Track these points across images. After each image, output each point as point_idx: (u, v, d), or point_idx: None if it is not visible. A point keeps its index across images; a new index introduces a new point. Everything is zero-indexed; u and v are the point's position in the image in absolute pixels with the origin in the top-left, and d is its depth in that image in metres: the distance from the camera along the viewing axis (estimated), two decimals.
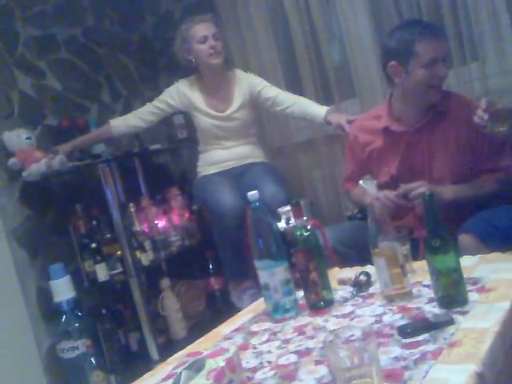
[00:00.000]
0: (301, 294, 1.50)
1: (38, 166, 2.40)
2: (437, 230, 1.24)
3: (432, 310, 1.24)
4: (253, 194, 1.49)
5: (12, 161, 2.47)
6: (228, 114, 2.59)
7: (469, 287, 1.28)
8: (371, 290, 1.49)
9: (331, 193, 2.86)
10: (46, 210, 2.63)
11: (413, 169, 1.89)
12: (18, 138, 2.48)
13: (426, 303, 1.29)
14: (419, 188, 1.73)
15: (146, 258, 2.62)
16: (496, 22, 2.32)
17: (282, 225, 1.66)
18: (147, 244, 2.65)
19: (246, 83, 2.63)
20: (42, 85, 2.76)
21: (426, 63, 1.76)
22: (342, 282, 1.61)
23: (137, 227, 2.65)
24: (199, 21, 2.55)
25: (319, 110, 2.47)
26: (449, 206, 1.71)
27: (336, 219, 2.78)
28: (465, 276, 1.26)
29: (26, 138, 2.49)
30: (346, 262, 1.78)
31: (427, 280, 1.33)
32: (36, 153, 2.47)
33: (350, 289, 1.54)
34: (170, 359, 1.40)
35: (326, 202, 2.87)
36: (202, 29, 2.52)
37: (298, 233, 1.47)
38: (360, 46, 2.66)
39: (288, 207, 1.63)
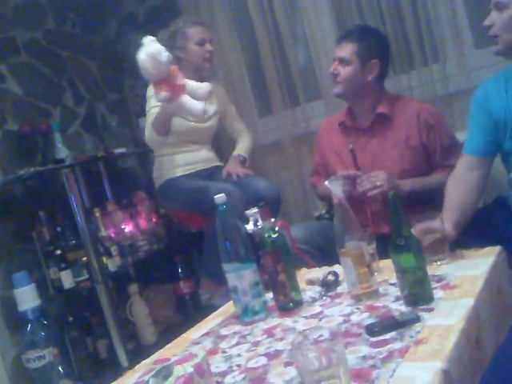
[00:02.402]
0: (270, 295, 1.50)
1: None
2: (401, 229, 1.25)
3: (398, 308, 1.26)
4: (220, 197, 1.49)
5: None
6: (204, 118, 2.57)
7: (434, 284, 1.31)
8: (339, 289, 1.51)
9: (299, 194, 2.87)
10: (8, 218, 2.56)
11: (364, 165, 1.95)
12: None
13: (393, 301, 1.31)
14: (378, 177, 1.81)
15: (112, 264, 2.58)
16: (456, 24, 2.38)
17: (249, 227, 1.66)
18: (114, 249, 2.61)
19: (223, 100, 2.67)
20: (2, 89, 2.69)
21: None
22: (311, 283, 1.62)
23: (103, 232, 2.61)
24: (198, 22, 2.54)
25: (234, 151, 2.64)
26: (406, 198, 1.76)
27: (304, 220, 2.80)
28: (430, 273, 1.29)
29: None
30: (314, 262, 1.79)
31: (393, 278, 1.34)
32: None
33: (318, 289, 1.55)
34: (137, 366, 1.37)
35: (294, 203, 2.89)
36: (201, 31, 2.50)
37: (266, 235, 1.47)
38: (324, 49, 2.68)
39: (255, 209, 1.63)
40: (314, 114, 2.80)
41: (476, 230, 1.62)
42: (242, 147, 2.66)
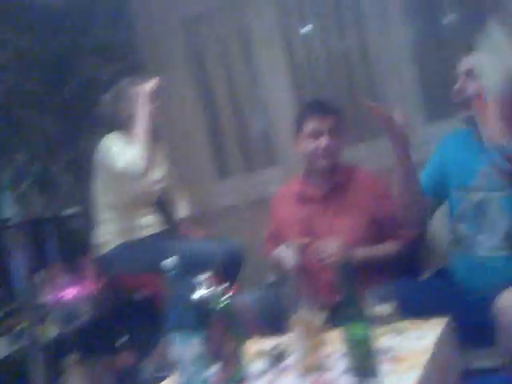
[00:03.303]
0: (217, 367, 1.44)
1: None
2: (351, 299, 1.25)
3: (347, 380, 1.23)
4: (171, 261, 1.45)
5: None
6: (154, 180, 2.54)
7: (381, 357, 1.29)
8: (289, 360, 1.47)
9: (252, 260, 2.84)
10: None
11: (320, 233, 1.95)
12: None
13: (341, 374, 1.28)
14: (332, 245, 1.82)
15: (50, 332, 2.43)
16: (407, 98, 2.51)
17: (199, 293, 1.61)
18: (52, 316, 2.47)
19: (170, 170, 2.64)
20: None
21: (308, 135, 1.96)
22: (260, 354, 1.57)
23: (42, 298, 2.47)
24: (142, 79, 2.51)
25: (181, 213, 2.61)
26: (360, 267, 1.77)
27: (256, 287, 2.76)
28: (378, 345, 1.27)
29: None
30: (265, 331, 1.75)
31: (343, 350, 1.32)
32: None
33: (267, 360, 1.50)
34: None
35: (248, 269, 2.85)
36: (147, 87, 2.41)
37: (216, 302, 1.44)
38: (282, 115, 2.75)
39: (206, 275, 1.60)
40: (271, 180, 2.84)
41: (420, 301, 1.62)
42: (186, 208, 2.61)
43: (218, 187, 2.96)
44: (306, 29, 2.73)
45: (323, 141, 1.93)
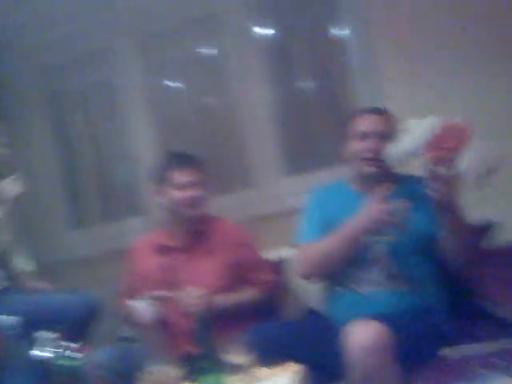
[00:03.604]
0: None
1: None
2: (207, 351, 1.22)
3: None
4: (12, 319, 1.31)
5: None
6: None
7: None
8: None
9: (108, 312, 2.69)
10: None
11: (181, 284, 1.92)
12: None
13: None
14: (194, 294, 1.82)
15: None
16: (268, 152, 2.60)
17: (42, 353, 1.46)
18: None
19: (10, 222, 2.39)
20: None
21: (175, 186, 1.98)
22: None
23: None
24: None
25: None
26: (219, 316, 1.79)
27: (110, 341, 2.61)
28: None
29: None
30: None
31: None
32: None
33: None
34: None
35: (102, 323, 2.68)
36: None
37: (61, 362, 1.32)
38: (145, 165, 2.71)
39: (50, 333, 1.46)
40: (131, 230, 2.75)
41: (279, 345, 1.64)
42: (25, 261, 2.39)
43: (74, 237, 2.79)
44: (172, 83, 2.76)
45: (191, 191, 1.98)
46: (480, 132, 2.22)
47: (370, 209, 1.63)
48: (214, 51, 2.68)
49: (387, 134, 1.74)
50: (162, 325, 1.79)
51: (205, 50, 2.71)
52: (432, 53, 2.36)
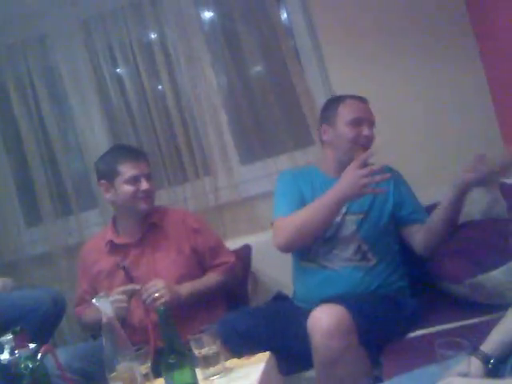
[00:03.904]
0: None
1: None
2: (172, 345, 1.21)
3: None
4: None
5: None
6: None
7: None
8: None
9: (71, 310, 2.64)
10: None
11: (140, 278, 1.91)
12: None
13: None
14: (157, 286, 1.80)
15: None
16: (222, 143, 2.60)
17: (4, 357, 1.42)
18: None
19: None
20: None
21: (128, 180, 1.94)
22: None
23: None
24: None
25: None
26: (184, 305, 1.83)
27: (75, 340, 2.56)
28: None
29: None
30: None
31: None
32: None
33: None
34: None
35: (66, 319, 2.63)
36: None
37: (23, 365, 1.28)
38: (97, 157, 2.65)
39: (10, 335, 1.42)
40: (88, 224, 2.69)
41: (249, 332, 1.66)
42: None
43: (31, 234, 2.72)
44: (119, 70, 2.69)
45: (143, 184, 1.94)
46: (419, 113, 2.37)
47: (350, 174, 1.63)
48: (158, 35, 2.62)
49: (374, 122, 1.88)
50: (126, 321, 1.78)
51: (150, 35, 2.65)
52: (375, 32, 2.40)
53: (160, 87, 2.67)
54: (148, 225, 2.00)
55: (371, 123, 1.87)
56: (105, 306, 1.31)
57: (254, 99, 2.58)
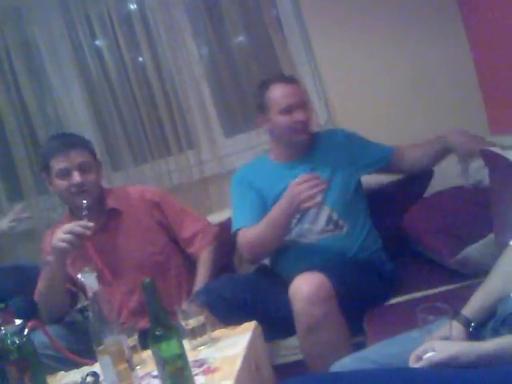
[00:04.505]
0: None
1: None
2: (158, 317, 1.21)
3: None
4: None
5: None
6: None
7: (196, 370, 1.29)
8: None
9: None
10: None
11: (113, 263, 1.88)
12: None
13: None
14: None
15: None
16: (206, 115, 2.57)
17: None
18: None
19: None
20: None
21: (58, 174, 1.81)
22: None
23: None
24: None
25: None
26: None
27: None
28: (191, 359, 1.27)
29: None
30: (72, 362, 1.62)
31: (157, 370, 1.28)
32: None
33: None
34: None
35: None
36: None
37: (9, 341, 1.28)
38: (79, 131, 2.60)
39: None
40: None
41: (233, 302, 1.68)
42: None
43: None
44: (98, 42, 2.63)
45: (74, 178, 1.79)
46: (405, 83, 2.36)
47: (289, 191, 1.64)
48: (137, 5, 2.56)
49: (307, 101, 1.90)
50: (112, 296, 1.78)
51: (129, 5, 2.58)
52: (359, 1, 2.36)
53: (140, 59, 2.62)
54: (107, 211, 1.92)
55: (304, 104, 1.86)
56: (90, 280, 1.31)
57: (237, 70, 2.55)
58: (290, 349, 1.75)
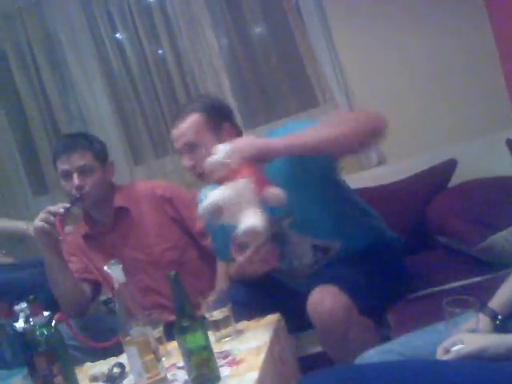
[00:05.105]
0: None
1: None
2: (184, 309, 1.23)
3: None
4: None
5: None
6: None
7: (220, 362, 1.30)
8: (126, 382, 1.40)
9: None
10: None
11: (129, 260, 1.87)
12: None
13: None
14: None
15: None
16: None
17: (19, 325, 1.45)
18: None
19: None
20: None
21: (61, 176, 1.84)
22: (94, 379, 1.47)
23: None
24: None
25: None
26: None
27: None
28: (216, 351, 1.28)
29: None
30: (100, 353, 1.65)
31: (182, 361, 1.30)
32: None
33: None
34: None
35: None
36: None
37: (38, 332, 1.31)
38: (102, 127, 2.63)
39: (24, 304, 1.44)
40: None
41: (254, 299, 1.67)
42: None
43: (36, 203, 2.74)
44: (119, 35, 2.65)
45: (74, 181, 1.80)
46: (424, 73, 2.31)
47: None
48: None
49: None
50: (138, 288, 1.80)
51: None
52: None
53: (160, 51, 2.63)
54: (115, 209, 1.91)
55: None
56: (116, 272, 1.32)
57: (257, 61, 2.55)
58: (313, 342, 1.73)
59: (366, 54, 2.37)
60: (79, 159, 1.81)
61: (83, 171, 1.81)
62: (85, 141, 1.87)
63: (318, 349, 1.70)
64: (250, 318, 1.56)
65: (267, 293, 1.69)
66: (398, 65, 2.35)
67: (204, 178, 1.56)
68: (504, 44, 2.22)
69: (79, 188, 1.80)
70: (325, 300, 1.45)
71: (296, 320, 1.65)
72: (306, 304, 1.47)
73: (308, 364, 1.61)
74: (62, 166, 1.82)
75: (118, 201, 1.91)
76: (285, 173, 1.48)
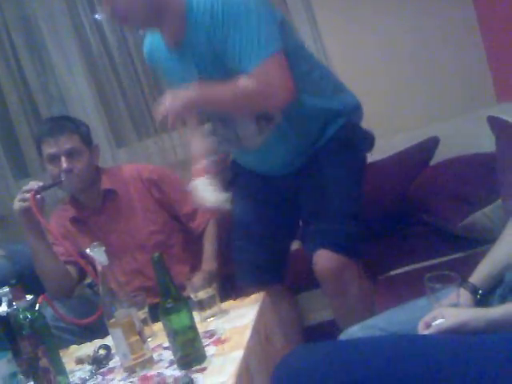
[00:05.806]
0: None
1: None
2: (168, 290, 1.23)
3: (172, 373, 1.21)
4: None
5: None
6: None
7: (206, 341, 1.31)
8: (112, 363, 1.40)
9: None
10: None
11: (113, 244, 1.86)
12: None
13: (167, 367, 1.26)
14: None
15: None
16: None
17: (2, 309, 1.44)
18: None
19: None
20: None
21: (47, 159, 1.80)
22: (80, 361, 1.47)
23: None
24: None
25: None
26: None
27: None
28: (201, 331, 1.29)
29: None
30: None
31: (167, 342, 1.30)
32: None
33: (88, 367, 1.42)
34: None
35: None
36: None
37: (22, 316, 1.30)
38: (82, 107, 2.60)
39: (6, 288, 1.43)
40: None
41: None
42: None
43: (18, 187, 2.69)
44: (98, 16, 2.60)
45: (62, 164, 1.77)
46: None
47: None
48: None
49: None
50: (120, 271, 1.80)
51: None
52: None
53: (141, 32, 2.58)
54: (103, 192, 1.90)
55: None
56: (99, 254, 1.32)
57: None
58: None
59: (347, 35, 2.38)
60: (67, 142, 1.78)
61: (71, 154, 1.78)
62: (71, 124, 1.85)
63: (324, 314, 1.73)
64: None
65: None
66: (380, 46, 2.36)
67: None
68: (485, 20, 2.23)
69: (68, 171, 1.77)
70: (330, 262, 1.47)
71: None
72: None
73: (316, 335, 1.63)
74: (49, 149, 1.78)
75: (106, 183, 1.89)
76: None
